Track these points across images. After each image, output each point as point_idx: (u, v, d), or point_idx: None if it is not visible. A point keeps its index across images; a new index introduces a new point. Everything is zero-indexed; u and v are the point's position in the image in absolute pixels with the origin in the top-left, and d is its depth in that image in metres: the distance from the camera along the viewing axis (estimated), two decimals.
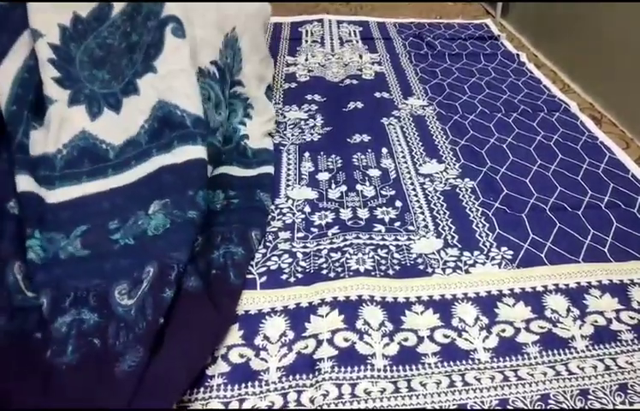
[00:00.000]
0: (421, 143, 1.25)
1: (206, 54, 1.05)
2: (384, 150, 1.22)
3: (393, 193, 1.08)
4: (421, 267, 0.89)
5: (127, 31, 0.98)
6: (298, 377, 0.70)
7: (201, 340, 0.72)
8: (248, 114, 1.18)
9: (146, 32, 0.98)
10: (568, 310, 0.81)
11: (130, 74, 0.95)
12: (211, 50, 1.07)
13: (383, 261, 0.89)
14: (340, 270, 0.87)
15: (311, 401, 0.67)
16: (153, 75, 0.94)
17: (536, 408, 0.66)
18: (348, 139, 1.26)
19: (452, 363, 0.72)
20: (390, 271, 0.87)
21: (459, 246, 0.94)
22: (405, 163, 1.18)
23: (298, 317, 0.79)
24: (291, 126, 1.32)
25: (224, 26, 1.13)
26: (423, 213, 1.02)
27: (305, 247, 0.93)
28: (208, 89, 1.02)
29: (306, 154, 1.20)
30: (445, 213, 1.02)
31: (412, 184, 1.11)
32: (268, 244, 0.93)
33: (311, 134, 1.28)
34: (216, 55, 1.07)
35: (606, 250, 0.94)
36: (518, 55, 1.75)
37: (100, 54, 0.96)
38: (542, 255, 0.92)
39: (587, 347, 0.76)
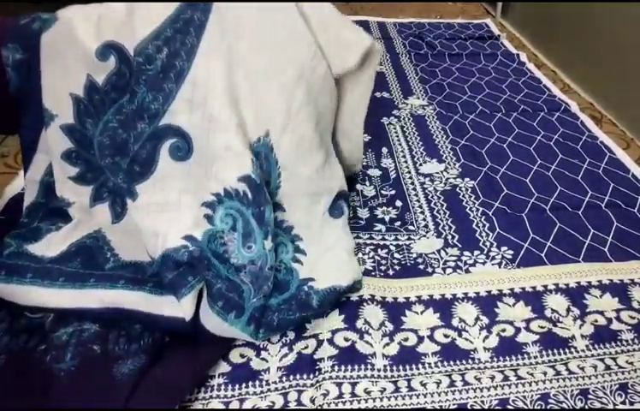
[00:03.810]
0: (421, 143, 1.26)
1: (232, 167, 0.76)
2: (384, 149, 1.22)
3: (393, 192, 1.07)
4: (421, 267, 0.89)
5: (122, 121, 0.78)
6: (298, 376, 0.70)
7: (207, 346, 0.72)
8: (299, 248, 0.83)
9: (136, 135, 0.76)
10: (568, 310, 0.81)
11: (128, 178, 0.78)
12: (240, 160, 0.76)
13: (383, 261, 0.89)
14: None
15: (312, 400, 0.67)
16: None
17: (536, 407, 0.66)
18: None
19: (452, 363, 0.72)
20: (390, 271, 0.87)
21: (460, 245, 0.94)
22: (406, 162, 1.18)
23: None
24: None
25: (252, 131, 0.78)
26: (423, 213, 1.02)
27: None
28: (233, 216, 0.76)
29: None
30: (445, 213, 1.02)
31: (412, 184, 1.11)
32: None
33: None
34: (247, 166, 0.75)
35: (606, 250, 0.94)
36: (518, 55, 1.75)
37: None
38: (542, 255, 0.92)
39: (587, 346, 0.76)
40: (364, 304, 0.80)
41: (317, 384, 0.68)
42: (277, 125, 0.79)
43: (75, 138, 0.80)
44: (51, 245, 0.79)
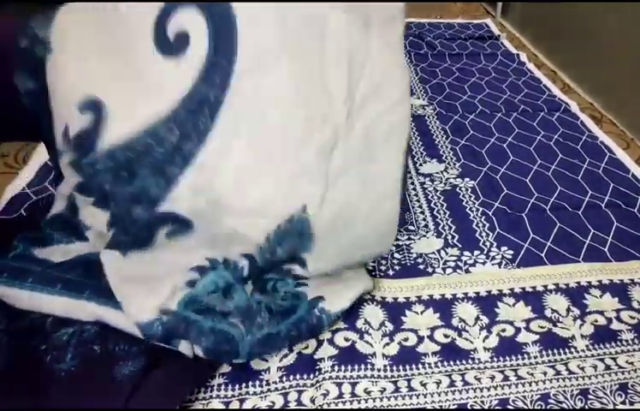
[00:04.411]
0: (421, 142, 1.26)
1: (237, 245, 0.71)
2: None
3: None
4: (421, 267, 0.89)
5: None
6: (298, 376, 0.70)
7: None
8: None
9: (131, 222, 0.71)
10: (568, 310, 0.81)
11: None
12: (247, 243, 0.71)
13: (383, 261, 0.89)
14: None
15: (312, 400, 0.67)
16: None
17: (536, 407, 0.67)
18: None
19: (452, 363, 0.72)
20: (390, 271, 0.87)
21: (460, 245, 0.94)
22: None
23: None
24: None
25: (280, 209, 0.69)
26: (423, 213, 1.02)
27: None
28: (218, 283, 0.73)
29: None
30: (445, 213, 1.02)
31: (412, 184, 1.11)
32: None
33: None
34: (253, 247, 0.70)
35: (606, 250, 0.94)
36: (518, 55, 1.75)
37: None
38: (542, 255, 0.92)
39: (587, 346, 0.76)
40: (364, 304, 0.80)
41: (317, 384, 0.68)
42: (315, 192, 0.68)
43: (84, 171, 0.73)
44: (57, 253, 0.78)
